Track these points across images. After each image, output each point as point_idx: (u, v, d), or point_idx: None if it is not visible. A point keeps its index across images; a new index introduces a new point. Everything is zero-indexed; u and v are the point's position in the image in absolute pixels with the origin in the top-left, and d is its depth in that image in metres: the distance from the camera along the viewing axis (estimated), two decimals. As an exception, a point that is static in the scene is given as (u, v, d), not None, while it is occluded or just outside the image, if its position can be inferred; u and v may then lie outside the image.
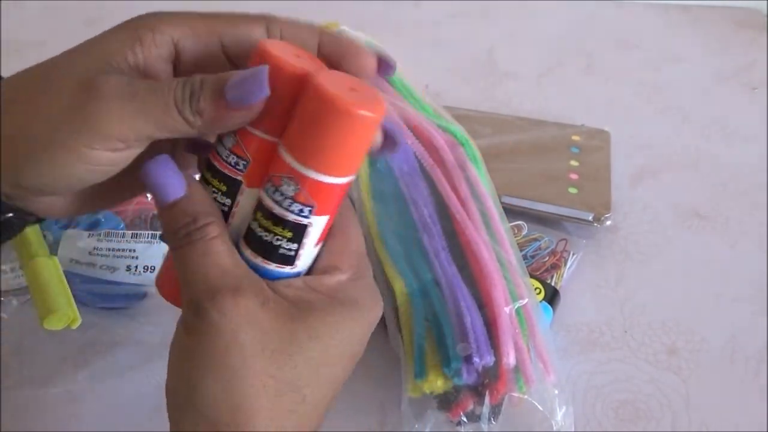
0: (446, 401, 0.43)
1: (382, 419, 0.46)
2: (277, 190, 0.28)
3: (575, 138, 0.67)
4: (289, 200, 0.28)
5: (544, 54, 0.83)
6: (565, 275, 0.54)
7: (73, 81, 0.28)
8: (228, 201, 0.30)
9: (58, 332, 0.43)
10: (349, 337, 0.30)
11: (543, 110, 0.74)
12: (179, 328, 0.29)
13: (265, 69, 0.27)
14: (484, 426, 0.42)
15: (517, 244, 0.51)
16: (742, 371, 0.49)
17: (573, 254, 0.56)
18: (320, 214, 0.29)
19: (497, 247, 0.48)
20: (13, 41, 0.82)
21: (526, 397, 0.43)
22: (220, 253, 0.29)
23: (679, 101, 0.75)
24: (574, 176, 0.62)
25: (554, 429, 0.43)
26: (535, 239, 0.56)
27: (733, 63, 0.82)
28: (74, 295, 0.44)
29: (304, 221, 0.29)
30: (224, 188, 0.30)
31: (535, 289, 0.50)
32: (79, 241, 0.49)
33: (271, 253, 0.29)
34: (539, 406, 0.43)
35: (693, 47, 0.85)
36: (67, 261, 0.48)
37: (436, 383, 0.42)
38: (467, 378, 0.42)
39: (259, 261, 0.30)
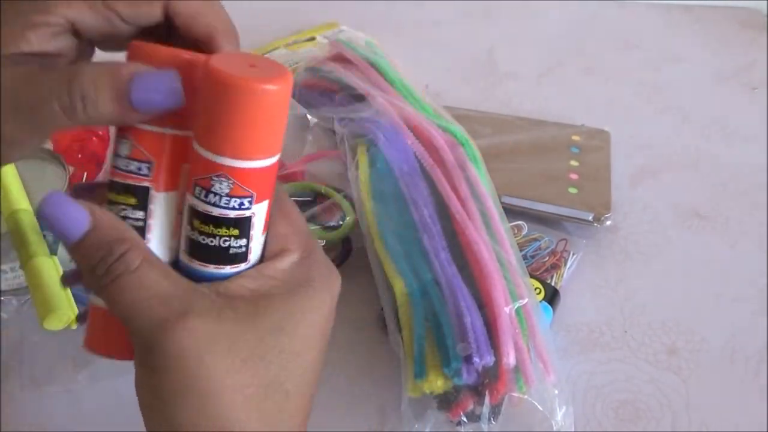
0: (446, 401, 0.43)
1: (382, 419, 0.46)
2: (209, 191, 0.27)
3: (575, 138, 0.67)
4: (226, 197, 0.27)
5: (544, 54, 0.83)
6: (565, 275, 0.54)
7: None
8: (141, 214, 0.28)
9: (58, 332, 0.42)
10: (314, 319, 0.29)
11: (543, 110, 0.74)
12: (139, 371, 0.28)
13: (175, 75, 0.26)
14: (484, 426, 0.42)
15: (517, 244, 0.51)
16: (742, 371, 0.49)
17: (573, 254, 0.56)
18: (260, 201, 0.28)
19: (497, 247, 0.48)
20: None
21: (526, 397, 0.43)
22: (151, 280, 0.27)
23: (679, 101, 0.75)
24: (574, 176, 0.62)
25: (554, 429, 0.43)
26: (535, 239, 0.56)
27: (733, 63, 0.82)
28: (74, 295, 0.44)
29: (247, 213, 0.28)
30: (133, 201, 0.28)
31: (535, 289, 0.50)
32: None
33: (222, 256, 0.28)
34: (539, 406, 0.43)
35: (693, 47, 0.85)
36: (67, 261, 0.48)
37: (436, 383, 0.42)
38: (467, 378, 0.42)
39: (211, 268, 0.28)
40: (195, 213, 0.28)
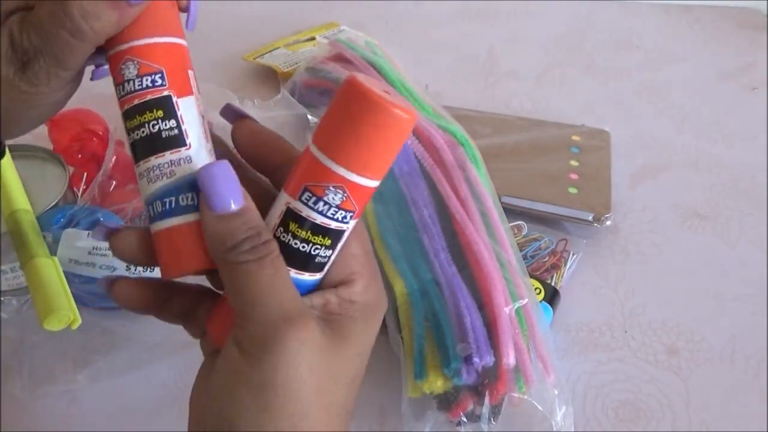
0: (446, 401, 0.43)
1: (382, 419, 0.46)
2: (320, 199, 0.27)
3: (575, 138, 0.67)
4: (335, 209, 0.27)
5: (544, 54, 0.83)
6: (565, 275, 0.54)
7: None
8: (173, 122, 0.29)
9: (58, 332, 0.42)
10: (370, 338, 0.30)
11: (543, 110, 0.74)
12: (232, 352, 0.27)
13: None
14: (484, 426, 0.42)
15: (517, 244, 0.51)
16: (742, 371, 0.49)
17: (573, 254, 0.56)
18: (356, 218, 0.28)
19: (497, 247, 0.48)
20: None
21: (525, 397, 0.43)
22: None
23: (679, 101, 0.75)
24: (574, 176, 0.62)
25: (554, 429, 0.43)
26: (535, 239, 0.56)
27: (733, 63, 0.82)
28: (74, 295, 0.43)
29: (345, 227, 0.28)
30: (160, 113, 0.28)
31: (535, 289, 0.50)
32: (78, 241, 0.49)
33: (307, 263, 0.28)
34: (539, 407, 0.43)
35: (693, 47, 0.85)
36: (66, 261, 0.48)
37: (436, 383, 0.42)
38: (467, 378, 0.42)
39: (292, 272, 0.28)
40: (295, 216, 0.28)
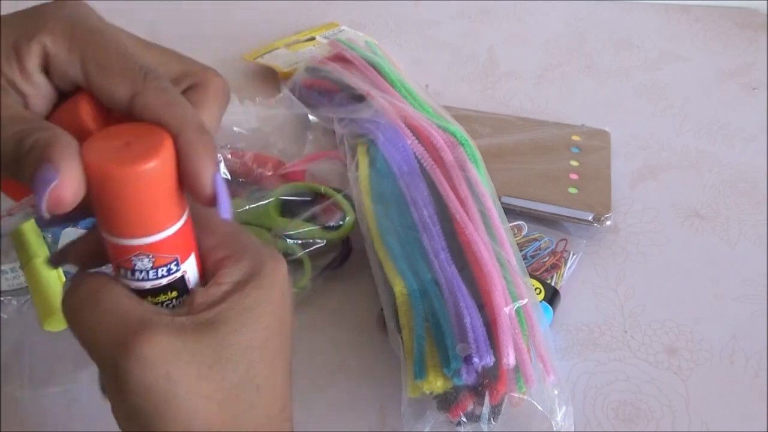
0: (446, 402, 0.43)
1: (382, 419, 0.46)
2: (133, 270, 0.27)
3: (575, 138, 0.67)
4: (153, 271, 0.27)
5: (544, 54, 0.83)
6: (565, 275, 0.54)
7: None
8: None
9: (58, 332, 0.42)
10: (268, 308, 0.29)
11: (543, 110, 0.74)
12: (111, 400, 0.28)
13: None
14: (484, 426, 0.42)
15: (517, 244, 0.51)
16: (743, 371, 0.49)
17: (573, 254, 0.56)
18: (186, 259, 0.28)
19: (497, 247, 0.48)
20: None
21: (525, 397, 0.43)
22: (110, 303, 0.27)
23: (679, 101, 0.75)
24: (574, 176, 0.62)
25: (554, 429, 0.43)
26: (535, 239, 0.56)
27: (733, 63, 0.82)
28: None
29: (178, 274, 0.28)
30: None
31: (535, 289, 0.50)
32: (78, 241, 0.49)
33: (171, 305, 0.29)
34: (539, 407, 0.43)
35: (693, 47, 0.85)
36: (66, 261, 0.48)
37: (436, 384, 0.42)
38: (467, 378, 0.42)
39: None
40: (133, 290, 0.28)
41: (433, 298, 0.45)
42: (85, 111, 0.27)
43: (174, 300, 0.29)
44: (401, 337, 0.45)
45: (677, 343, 0.51)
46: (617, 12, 0.91)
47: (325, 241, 0.54)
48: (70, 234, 0.50)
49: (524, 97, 0.76)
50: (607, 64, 0.81)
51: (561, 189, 0.60)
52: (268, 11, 0.89)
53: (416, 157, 0.55)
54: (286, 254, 0.52)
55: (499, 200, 0.53)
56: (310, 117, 0.65)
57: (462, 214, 0.50)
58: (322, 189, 0.57)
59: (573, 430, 0.44)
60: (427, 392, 0.43)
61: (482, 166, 0.55)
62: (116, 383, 0.27)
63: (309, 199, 0.57)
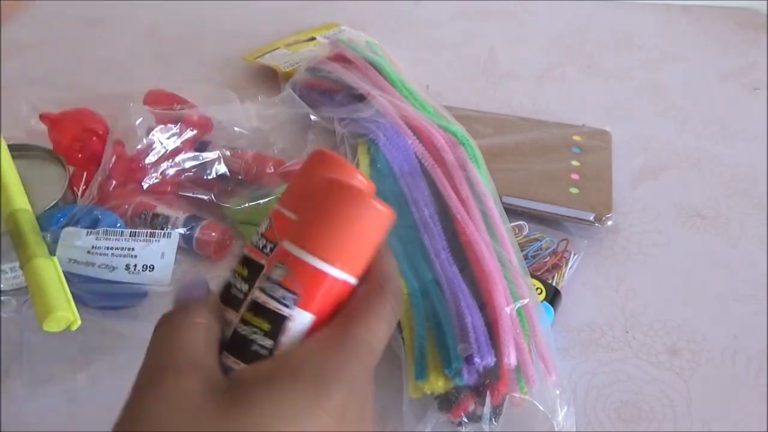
0: (447, 402, 0.43)
1: (383, 420, 0.46)
2: (267, 278, 0.26)
3: (576, 138, 0.67)
4: (275, 285, 0.26)
5: (544, 54, 0.83)
6: (566, 275, 0.54)
7: None
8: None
9: (58, 332, 0.42)
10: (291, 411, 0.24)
11: (544, 110, 0.74)
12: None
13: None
14: (485, 426, 0.42)
15: (518, 244, 0.51)
16: (744, 372, 0.49)
17: (574, 254, 0.56)
18: (304, 308, 0.26)
19: (498, 247, 0.48)
20: (13, 41, 0.82)
21: (527, 397, 0.43)
22: (195, 337, 0.27)
23: (679, 101, 0.75)
24: (575, 176, 0.62)
25: (555, 429, 0.43)
26: (536, 239, 0.56)
27: (733, 63, 0.82)
28: (74, 295, 0.43)
29: (285, 311, 0.26)
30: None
31: (537, 289, 0.50)
32: (77, 240, 0.49)
33: (243, 350, 0.27)
34: (540, 407, 0.43)
35: (693, 47, 0.85)
36: (66, 260, 0.48)
37: (437, 384, 0.42)
38: (468, 378, 0.41)
39: (230, 362, 0.27)
40: (249, 300, 0.27)
41: (434, 298, 0.45)
42: None
43: (259, 334, 0.27)
44: (402, 338, 0.45)
45: (679, 344, 0.51)
46: (618, 12, 0.91)
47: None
48: (70, 233, 0.50)
49: (525, 97, 0.75)
50: (608, 64, 0.81)
51: (562, 189, 0.60)
52: (268, 11, 0.89)
53: (417, 157, 0.55)
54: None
55: (500, 200, 0.53)
56: (311, 116, 0.65)
57: (463, 214, 0.49)
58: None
59: (574, 430, 0.44)
60: (429, 392, 0.43)
61: (483, 166, 0.55)
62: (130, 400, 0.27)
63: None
